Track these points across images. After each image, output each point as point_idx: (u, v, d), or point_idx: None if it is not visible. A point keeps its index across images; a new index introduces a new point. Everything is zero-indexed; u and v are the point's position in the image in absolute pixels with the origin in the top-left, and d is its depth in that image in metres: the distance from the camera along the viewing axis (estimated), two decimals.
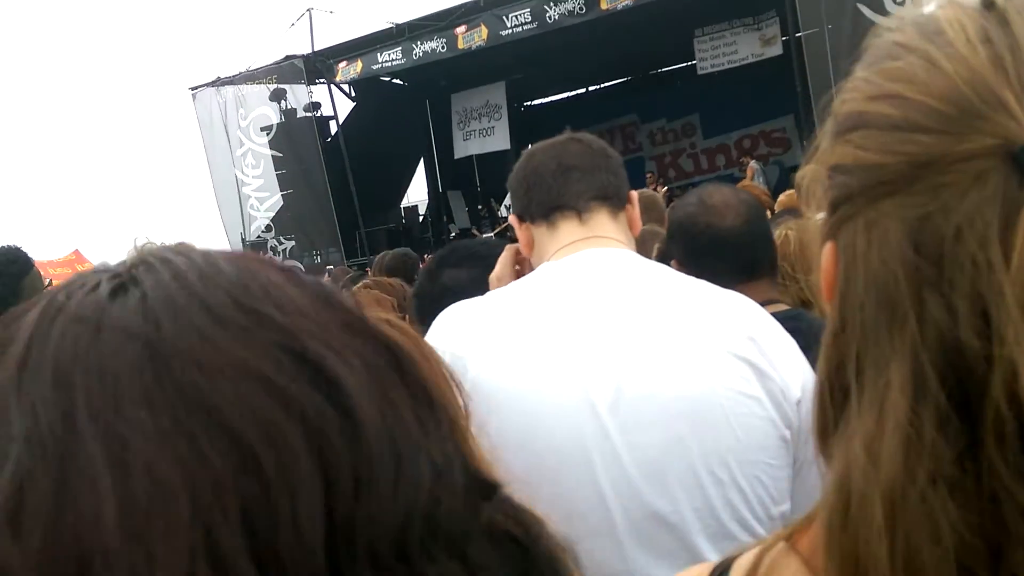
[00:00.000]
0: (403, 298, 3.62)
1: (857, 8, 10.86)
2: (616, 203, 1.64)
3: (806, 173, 0.68)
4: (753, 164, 15.29)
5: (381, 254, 5.76)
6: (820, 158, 0.65)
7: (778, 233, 2.33)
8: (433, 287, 2.21)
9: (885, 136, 0.58)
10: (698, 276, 1.56)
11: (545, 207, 1.63)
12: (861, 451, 0.56)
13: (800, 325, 1.69)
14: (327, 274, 8.23)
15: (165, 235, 4.89)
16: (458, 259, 2.24)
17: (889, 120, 0.58)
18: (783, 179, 15.39)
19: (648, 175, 17.05)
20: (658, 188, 15.51)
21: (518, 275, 1.77)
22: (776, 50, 15.05)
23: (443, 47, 14.83)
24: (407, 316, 2.57)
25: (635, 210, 1.68)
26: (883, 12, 10.50)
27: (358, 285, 4.41)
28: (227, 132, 17.12)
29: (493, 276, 1.81)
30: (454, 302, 1.58)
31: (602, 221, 1.61)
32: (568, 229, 1.61)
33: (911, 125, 0.57)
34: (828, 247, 0.64)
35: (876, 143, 0.58)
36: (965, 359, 0.53)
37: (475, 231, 16.83)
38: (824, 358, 0.64)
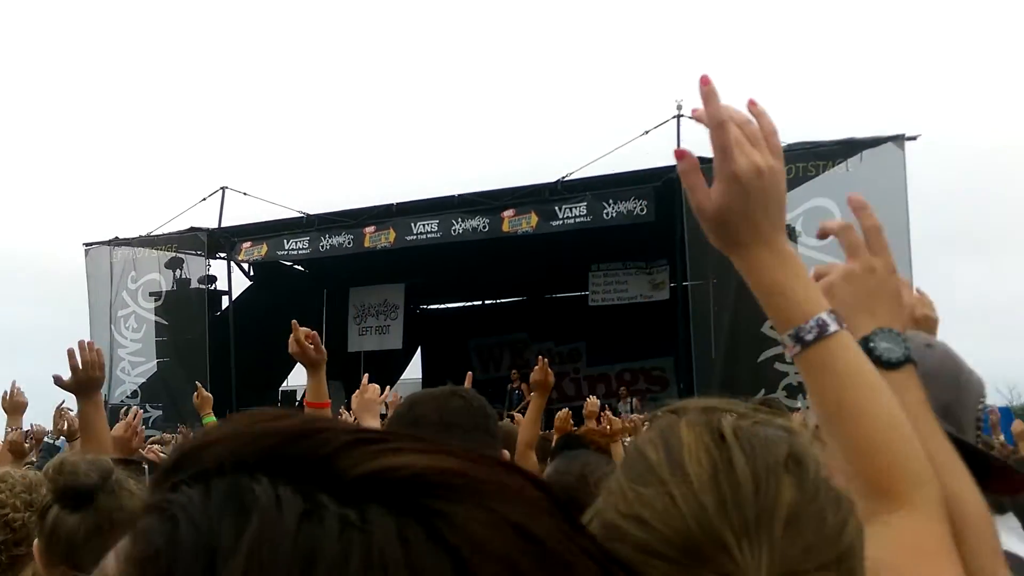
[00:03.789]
0: None
1: None
2: None
3: None
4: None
5: None
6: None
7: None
8: None
9: (632, 556, 0.70)
10: None
11: None
12: None
13: None
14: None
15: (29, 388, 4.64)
16: None
17: (635, 540, 0.71)
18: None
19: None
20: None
21: None
22: (664, 295, 15.95)
23: (350, 243, 15.15)
24: None
25: None
26: None
27: None
28: (112, 292, 16.69)
29: None
30: None
31: None
32: None
33: (651, 551, 0.69)
34: None
35: (627, 559, 0.70)
36: None
37: None
38: None
